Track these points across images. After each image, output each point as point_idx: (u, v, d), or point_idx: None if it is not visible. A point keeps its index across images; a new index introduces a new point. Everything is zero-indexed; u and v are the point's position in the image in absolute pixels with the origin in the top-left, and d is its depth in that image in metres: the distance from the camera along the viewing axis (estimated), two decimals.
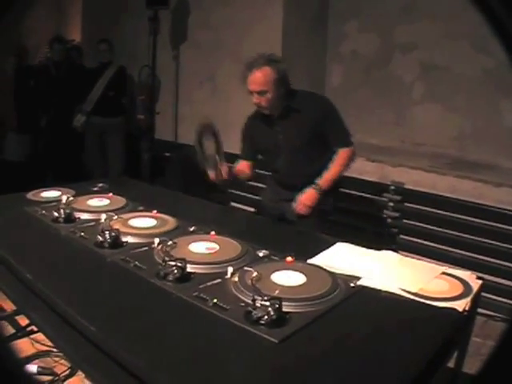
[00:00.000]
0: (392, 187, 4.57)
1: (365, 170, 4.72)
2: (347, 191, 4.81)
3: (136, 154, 6.81)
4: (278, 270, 2.03)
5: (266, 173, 3.80)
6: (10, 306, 3.82)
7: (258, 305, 1.67)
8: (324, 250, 2.47)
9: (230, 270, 2.02)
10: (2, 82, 7.09)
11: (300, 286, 1.94)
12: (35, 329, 3.56)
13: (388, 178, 4.64)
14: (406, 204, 4.56)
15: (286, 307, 1.72)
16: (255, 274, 1.89)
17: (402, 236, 4.57)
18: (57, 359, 3.40)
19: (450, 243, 4.36)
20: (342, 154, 3.36)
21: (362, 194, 4.80)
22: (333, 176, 3.36)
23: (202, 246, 2.33)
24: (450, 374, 2.16)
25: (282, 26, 5.33)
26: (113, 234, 2.40)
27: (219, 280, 1.99)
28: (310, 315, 1.75)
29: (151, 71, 6.47)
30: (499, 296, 4.06)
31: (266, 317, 1.65)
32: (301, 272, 2.03)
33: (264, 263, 2.16)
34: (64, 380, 3.23)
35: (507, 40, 0.90)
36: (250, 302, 1.74)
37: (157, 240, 2.36)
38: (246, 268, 2.00)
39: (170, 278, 1.99)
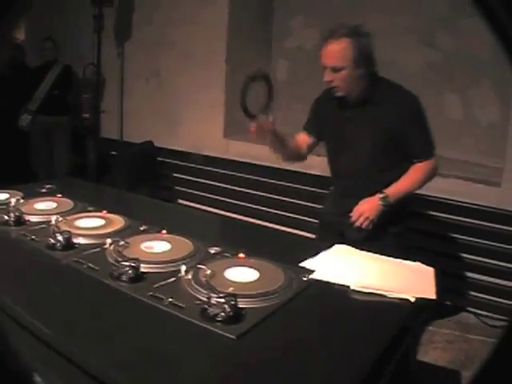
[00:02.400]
0: None
1: (312, 164, 4.76)
2: (292, 185, 4.88)
3: (82, 153, 6.76)
4: (230, 267, 2.05)
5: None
6: None
7: (213, 302, 1.68)
8: (273, 243, 2.51)
9: (184, 268, 2.02)
10: None
11: (253, 281, 1.96)
12: None
13: None
14: None
15: (241, 303, 1.74)
16: (208, 271, 1.91)
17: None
18: None
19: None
20: (421, 166, 2.88)
21: (307, 188, 4.86)
22: (405, 189, 2.88)
23: (152, 245, 2.32)
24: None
25: (228, 21, 5.38)
26: (65, 235, 2.37)
27: (173, 279, 1.99)
28: (265, 310, 1.77)
29: (96, 69, 6.42)
30: None
31: (222, 314, 1.66)
32: (253, 268, 2.05)
33: (216, 260, 2.17)
34: None
35: (507, 40, 0.92)
36: (205, 299, 1.75)
37: (109, 240, 2.34)
38: (198, 266, 2.01)
39: (124, 278, 1.98)
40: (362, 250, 2.45)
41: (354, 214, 2.84)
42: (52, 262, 2.26)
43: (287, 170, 4.76)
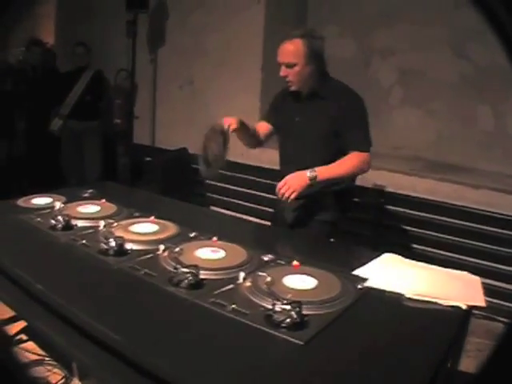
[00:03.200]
0: (373, 190, 4.64)
1: None
2: None
3: (113, 159, 6.81)
4: (288, 274, 2.08)
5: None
6: None
7: (277, 309, 1.72)
8: (323, 251, 2.55)
9: (242, 275, 2.06)
10: None
11: (312, 289, 1.99)
12: (25, 337, 3.56)
13: (369, 181, 4.71)
14: (388, 206, 4.64)
15: (304, 310, 1.76)
16: (269, 278, 1.93)
17: (383, 238, 4.65)
18: (50, 368, 3.36)
19: (430, 244, 4.47)
20: (355, 155, 3.09)
21: None
22: (335, 170, 3.05)
23: (208, 252, 2.35)
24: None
25: (263, 30, 5.38)
26: (118, 241, 2.40)
27: (232, 285, 2.02)
28: (327, 317, 1.80)
29: (129, 75, 6.47)
30: None
31: (287, 320, 1.69)
32: (310, 275, 2.08)
33: (272, 267, 2.20)
34: None
35: (507, 40, 0.94)
36: (268, 306, 1.79)
37: (162, 247, 2.38)
38: (259, 273, 2.04)
39: (184, 284, 2.01)
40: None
41: (281, 184, 3.00)
42: (106, 268, 2.29)
43: None
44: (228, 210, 5.54)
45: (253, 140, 3.46)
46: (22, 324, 3.40)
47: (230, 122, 3.07)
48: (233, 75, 5.60)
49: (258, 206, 5.47)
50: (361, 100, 3.17)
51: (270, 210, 5.25)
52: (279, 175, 3.23)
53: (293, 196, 2.96)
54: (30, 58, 6.96)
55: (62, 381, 3.24)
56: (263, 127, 3.50)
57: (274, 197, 3.10)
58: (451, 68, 5.04)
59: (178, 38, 6.26)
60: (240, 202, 5.66)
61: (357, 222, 4.72)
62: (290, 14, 5.62)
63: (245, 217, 5.21)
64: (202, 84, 5.98)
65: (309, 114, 3.24)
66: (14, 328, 3.56)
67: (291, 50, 3.07)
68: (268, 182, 5.32)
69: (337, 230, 3.34)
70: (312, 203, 3.21)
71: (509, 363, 0.87)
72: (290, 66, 3.09)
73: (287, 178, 3.00)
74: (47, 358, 3.41)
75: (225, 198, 5.81)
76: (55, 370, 3.34)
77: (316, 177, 2.97)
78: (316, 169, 2.99)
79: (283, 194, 2.97)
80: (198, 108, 5.99)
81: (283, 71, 3.14)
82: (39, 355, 3.46)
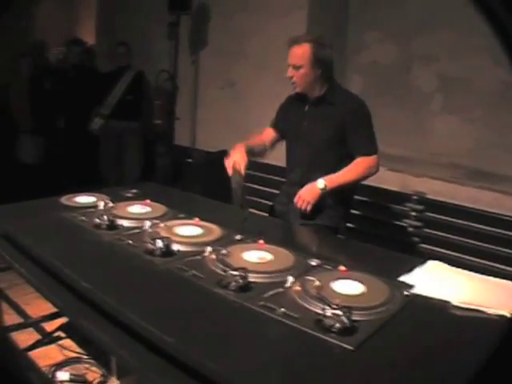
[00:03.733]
0: (414, 197, 4.63)
1: (385, 179, 4.78)
2: (368, 199, 4.89)
3: (152, 159, 6.87)
4: (335, 279, 2.09)
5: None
6: (34, 312, 3.88)
7: (328, 314, 1.73)
8: (368, 257, 2.56)
9: (291, 279, 2.07)
10: (16, 82, 7.12)
11: (360, 294, 2.00)
12: (63, 335, 3.61)
13: (409, 188, 4.70)
14: (428, 214, 4.63)
15: (353, 315, 1.77)
16: (317, 283, 1.95)
17: (423, 245, 4.63)
18: (88, 366, 3.40)
19: (471, 253, 4.43)
20: (361, 161, 3.27)
21: (383, 203, 4.86)
22: (343, 179, 3.26)
23: (254, 255, 2.37)
24: None
25: (304, 32, 5.37)
26: (164, 242, 2.43)
27: (281, 289, 2.04)
28: (376, 323, 1.81)
29: (170, 76, 6.52)
30: None
31: (337, 325, 1.71)
32: (357, 281, 2.09)
33: (319, 272, 2.21)
34: None
35: (507, 40, 0.94)
36: (318, 310, 1.81)
37: (209, 249, 2.40)
38: (307, 277, 2.06)
39: (232, 287, 2.03)
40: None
41: (296, 199, 3.24)
42: (152, 268, 2.32)
43: (369, 186, 4.77)
44: (266, 213, 5.55)
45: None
46: (60, 321, 3.44)
47: (239, 165, 3.24)
48: (274, 79, 5.58)
49: None
50: (364, 105, 3.35)
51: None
52: (287, 179, 3.59)
53: (309, 208, 3.21)
54: (69, 58, 7.06)
55: (101, 379, 3.28)
56: (269, 134, 3.71)
57: None
58: (491, 76, 5.00)
59: (219, 40, 6.31)
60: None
61: (397, 229, 4.73)
62: (331, 18, 5.62)
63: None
64: (243, 86, 6.00)
65: (315, 118, 3.40)
66: (54, 325, 3.62)
67: (299, 53, 3.26)
68: None
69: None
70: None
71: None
72: (296, 67, 3.28)
73: (301, 192, 3.23)
74: (85, 356, 3.46)
75: (266, 202, 5.80)
76: (93, 368, 3.40)
77: (325, 186, 3.19)
78: (325, 178, 3.21)
79: (300, 208, 3.23)
80: (239, 110, 6.02)
81: (290, 72, 3.33)
82: (77, 353, 3.51)
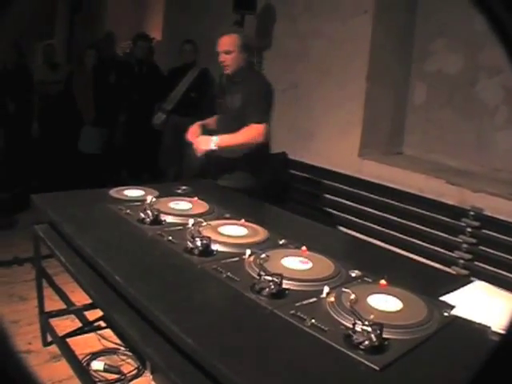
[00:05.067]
0: (471, 212, 4.49)
1: (443, 192, 4.67)
2: (423, 212, 4.78)
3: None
4: (373, 293, 2.03)
5: None
6: (78, 299, 3.92)
7: (358, 329, 1.67)
8: (412, 272, 2.48)
9: (326, 289, 2.02)
10: (81, 74, 7.23)
11: (396, 311, 1.93)
12: (103, 324, 3.64)
13: (467, 203, 4.57)
14: (484, 231, 4.48)
15: (385, 333, 1.71)
16: (353, 296, 1.88)
17: (476, 263, 4.49)
18: (124, 358, 3.46)
19: None
20: (249, 127, 3.78)
21: (439, 217, 4.74)
22: (233, 140, 3.80)
23: (294, 261, 2.33)
24: None
25: (370, 41, 5.30)
26: (204, 241, 2.42)
27: (315, 299, 2.00)
28: (409, 343, 1.74)
29: None
30: None
31: (366, 342, 1.65)
32: (395, 297, 2.02)
33: (358, 284, 2.16)
34: (130, 380, 3.27)
35: (507, 40, 0.89)
36: (348, 325, 1.75)
37: (248, 251, 2.37)
38: (343, 289, 1.99)
39: (265, 292, 2.00)
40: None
41: (194, 143, 3.92)
42: (189, 267, 2.32)
43: (420, 197, 4.67)
44: (322, 219, 5.48)
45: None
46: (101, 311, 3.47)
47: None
48: (337, 83, 5.54)
49: (352, 218, 5.38)
50: (266, 85, 4.00)
51: (365, 222, 5.22)
52: None
53: (199, 154, 3.86)
54: (136, 52, 7.13)
55: (134, 372, 3.32)
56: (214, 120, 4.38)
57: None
58: None
59: (283, 41, 6.25)
60: (335, 212, 5.58)
61: (450, 244, 4.61)
62: (397, 25, 5.51)
63: (341, 228, 5.17)
64: (305, 89, 5.93)
65: (231, 94, 4.04)
66: (95, 314, 3.66)
67: (228, 40, 3.91)
68: (365, 194, 5.24)
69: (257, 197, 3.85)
70: (221, 165, 4.09)
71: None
72: (227, 52, 3.89)
73: (199, 138, 3.91)
74: (122, 348, 3.48)
75: (321, 207, 5.74)
76: (129, 360, 3.42)
77: (215, 142, 3.75)
78: (218, 136, 3.80)
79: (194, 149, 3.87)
80: (301, 113, 5.96)
81: (222, 57, 3.93)
82: (115, 344, 3.54)
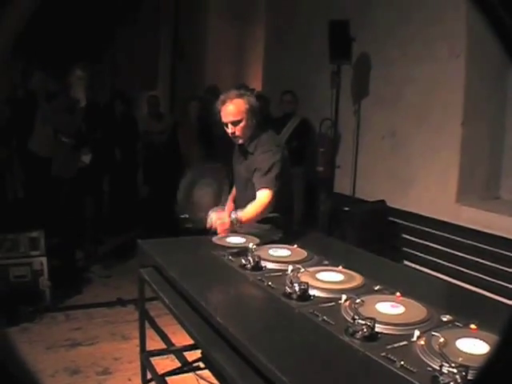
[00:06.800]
0: None
1: None
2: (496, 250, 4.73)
3: (313, 205, 6.98)
4: (462, 337, 2.08)
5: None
6: (178, 341, 4.10)
7: (444, 371, 1.74)
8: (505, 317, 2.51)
9: (417, 333, 2.10)
10: (185, 123, 7.59)
11: (484, 355, 1.96)
12: (202, 365, 3.79)
13: None
14: None
15: (471, 375, 1.74)
16: (442, 339, 1.95)
17: None
18: None
19: None
20: (257, 199, 3.65)
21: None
22: (249, 215, 3.58)
23: (388, 307, 2.41)
24: None
25: (464, 85, 5.33)
26: (302, 286, 2.54)
27: (405, 342, 2.07)
28: None
29: (332, 124, 6.64)
30: None
31: (452, 383, 1.72)
32: (485, 341, 2.07)
33: (448, 328, 2.21)
34: None
35: (507, 40, 0.93)
36: (436, 367, 1.82)
37: (344, 296, 2.47)
38: (433, 333, 2.06)
39: (358, 335, 2.09)
40: None
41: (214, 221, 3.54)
42: (287, 310, 2.45)
43: (504, 238, 4.62)
44: (422, 266, 5.49)
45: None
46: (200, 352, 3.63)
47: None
48: (433, 129, 5.55)
49: (451, 265, 5.35)
50: (272, 149, 3.79)
51: (463, 269, 5.18)
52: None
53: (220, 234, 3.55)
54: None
55: None
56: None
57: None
58: None
59: (380, 88, 6.36)
60: (434, 258, 5.57)
61: None
62: (490, 67, 5.46)
63: (436, 274, 5.15)
64: (403, 136, 5.97)
65: (242, 162, 3.96)
66: (194, 355, 3.82)
67: (234, 109, 3.69)
68: (464, 240, 5.22)
69: None
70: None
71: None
72: (235, 123, 3.72)
73: (215, 218, 3.54)
74: None
75: (420, 254, 5.74)
76: None
77: (240, 221, 3.51)
78: (240, 215, 3.53)
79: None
80: (399, 161, 5.99)
81: (231, 128, 3.74)
82: None
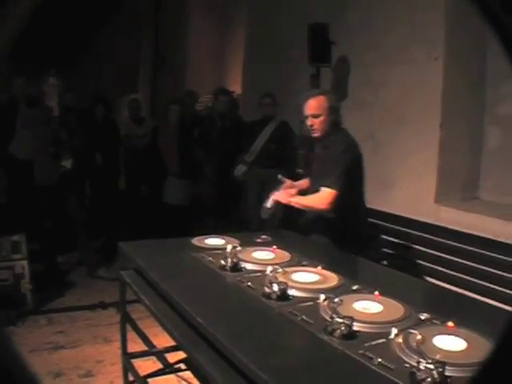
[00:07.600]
0: None
1: None
2: (499, 256, 4.75)
3: (294, 208, 7.00)
4: (439, 334, 2.11)
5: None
6: (160, 343, 4.11)
7: (421, 367, 1.77)
8: (482, 315, 2.55)
9: (395, 331, 2.12)
10: (165, 128, 7.57)
11: (460, 351, 2.01)
12: (183, 367, 3.80)
13: None
14: None
15: (449, 371, 1.78)
16: (419, 336, 1.98)
17: None
18: None
19: None
20: (319, 192, 3.86)
21: None
22: (299, 201, 3.99)
23: (365, 305, 2.43)
24: None
25: (442, 88, 5.36)
26: (281, 286, 2.56)
27: (383, 340, 2.10)
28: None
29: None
30: None
31: (429, 379, 1.74)
32: (461, 338, 2.10)
33: (426, 326, 2.24)
34: None
35: (507, 40, 0.94)
36: (414, 363, 1.84)
37: (322, 296, 2.48)
38: (410, 330, 2.09)
39: (337, 334, 2.12)
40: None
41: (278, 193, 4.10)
42: (267, 310, 2.47)
43: (500, 242, 4.64)
44: (402, 266, 5.50)
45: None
46: (182, 354, 3.62)
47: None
48: (412, 131, 5.58)
49: (429, 265, 5.36)
50: (346, 149, 3.94)
51: (443, 269, 5.20)
52: None
53: (273, 201, 4.05)
54: (216, 106, 7.40)
55: None
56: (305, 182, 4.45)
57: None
58: None
59: (359, 91, 6.38)
60: (413, 259, 5.59)
61: None
62: (468, 70, 5.49)
63: (418, 275, 5.17)
64: (382, 138, 5.99)
65: (316, 157, 4.25)
66: (176, 357, 3.83)
67: (316, 104, 3.93)
68: (442, 241, 5.24)
69: None
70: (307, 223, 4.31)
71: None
72: (315, 116, 3.93)
73: (280, 191, 4.11)
74: None
75: (400, 255, 5.75)
76: None
77: (293, 201, 3.97)
78: (297, 196, 4.03)
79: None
80: (378, 163, 5.98)
81: (310, 121, 3.97)
82: None
